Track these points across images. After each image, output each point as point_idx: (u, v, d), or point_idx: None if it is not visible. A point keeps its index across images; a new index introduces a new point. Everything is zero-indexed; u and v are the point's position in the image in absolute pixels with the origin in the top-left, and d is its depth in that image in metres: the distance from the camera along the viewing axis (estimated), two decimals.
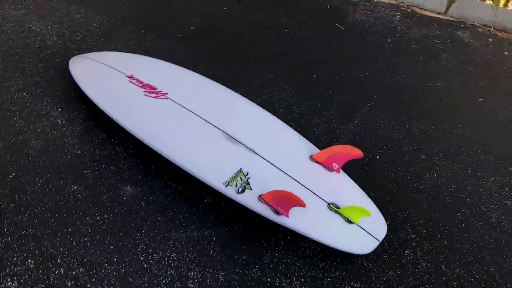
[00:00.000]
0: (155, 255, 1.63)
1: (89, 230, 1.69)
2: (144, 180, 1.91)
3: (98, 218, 1.73)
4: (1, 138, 2.02)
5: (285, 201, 1.58)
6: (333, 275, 1.66)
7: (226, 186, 1.68)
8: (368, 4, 4.04)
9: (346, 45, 3.32)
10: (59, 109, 2.22)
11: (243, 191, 1.68)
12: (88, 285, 1.52)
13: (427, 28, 3.78)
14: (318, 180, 1.79)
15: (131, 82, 2.13)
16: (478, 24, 4.05)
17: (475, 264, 1.78)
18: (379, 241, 1.64)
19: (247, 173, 1.74)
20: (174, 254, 1.65)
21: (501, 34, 3.93)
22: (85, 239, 1.65)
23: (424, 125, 2.53)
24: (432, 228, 1.89)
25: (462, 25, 3.95)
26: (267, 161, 1.81)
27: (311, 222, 1.63)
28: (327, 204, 1.70)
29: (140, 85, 2.11)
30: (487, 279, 1.72)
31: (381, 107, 2.64)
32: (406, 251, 1.77)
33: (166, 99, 2.04)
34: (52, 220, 1.71)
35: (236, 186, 1.69)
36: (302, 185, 1.74)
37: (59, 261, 1.58)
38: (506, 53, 3.57)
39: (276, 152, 1.86)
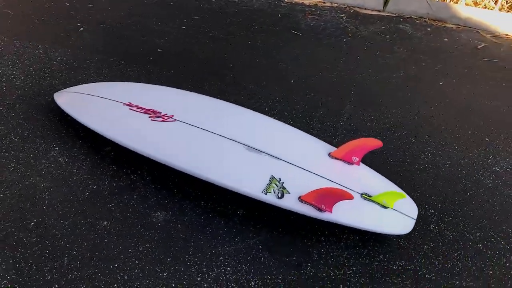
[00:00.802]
0: (210, 273, 1.64)
1: (136, 262, 1.66)
2: (171, 204, 1.90)
3: (140, 249, 1.70)
4: (6, 186, 1.91)
5: (328, 198, 1.67)
6: (378, 258, 1.77)
7: (266, 194, 1.74)
8: (313, 9, 4.27)
9: (309, 50, 3.49)
10: (56, 148, 2.14)
11: (282, 196, 1.74)
12: None
13: (373, 26, 4.08)
14: (344, 174, 1.90)
15: (131, 110, 2.12)
16: (415, 17, 4.44)
17: (490, 225, 1.98)
18: (414, 219, 1.79)
19: (279, 179, 1.81)
20: (229, 268, 1.67)
21: (435, 23, 4.33)
22: (136, 271, 1.62)
23: (402, 112, 2.75)
24: (444, 202, 2.07)
25: (401, 19, 4.31)
26: (293, 164, 1.89)
27: (351, 213, 1.73)
28: (360, 194, 1.81)
29: (142, 111, 2.10)
30: (504, 237, 1.93)
31: (360, 102, 2.82)
32: (431, 226, 1.93)
33: (174, 121, 2.05)
34: (94, 259, 1.65)
35: (274, 192, 1.75)
36: (332, 181, 1.84)
37: None
38: (445, 39, 3.95)
39: (298, 155, 1.95)
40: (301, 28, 3.88)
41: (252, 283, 1.62)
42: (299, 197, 1.74)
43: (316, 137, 2.19)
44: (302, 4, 4.43)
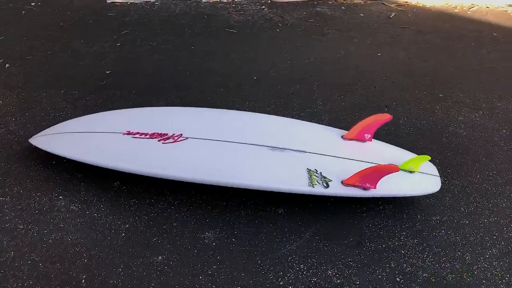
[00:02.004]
0: (288, 274, 1.67)
1: (214, 286, 1.62)
2: (214, 221, 1.87)
3: (209, 272, 1.66)
4: (30, 251, 1.71)
5: (373, 176, 1.79)
6: (417, 219, 1.94)
7: (313, 187, 1.80)
8: (234, 5, 4.34)
9: (251, 45, 3.55)
10: (61, 197, 1.96)
11: (327, 185, 1.82)
12: None
13: (296, 13, 4.28)
14: (364, 152, 2.04)
15: (135, 137, 2.02)
16: None
17: (484, 166, 2.26)
18: (439, 176, 1.99)
19: (315, 170, 1.89)
20: (301, 265, 1.71)
21: (345, 1, 4.68)
22: None
23: (363, 86, 2.98)
24: (439, 156, 2.31)
25: (315, 2, 4.58)
26: (317, 153, 1.98)
27: (389, 185, 1.87)
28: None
29: (147, 136, 2.01)
30: (498, 173, 2.23)
31: (325, 85, 2.98)
32: (441, 179, 2.16)
33: (185, 139, 2.01)
34: None
35: (318, 183, 1.82)
36: (358, 160, 1.97)
37: None
38: (361, 14, 4.30)
39: (316, 144, 2.03)
40: (233, 25, 3.93)
41: (329, 272, 1.69)
42: (342, 182, 1.83)
43: None
44: (220, 1, 4.46)
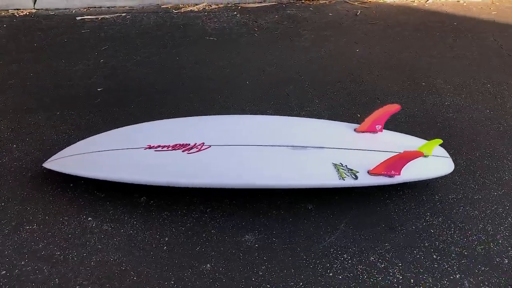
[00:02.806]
0: (335, 265, 1.71)
1: (268, 286, 1.66)
2: (251, 223, 1.89)
3: (260, 273, 1.67)
4: (75, 275, 1.66)
5: (398, 163, 1.88)
6: (436, 199, 2.05)
7: (344, 180, 1.88)
8: (206, 13, 4.37)
9: (234, 51, 3.59)
10: (90, 219, 1.92)
11: (356, 176, 1.91)
12: None
13: (268, 17, 4.37)
14: (379, 142, 2.13)
15: (158, 151, 2.01)
16: (293, 0, 4.86)
17: (479, 144, 2.42)
18: (449, 157, 2.13)
19: (341, 163, 1.97)
20: (345, 255, 1.75)
21: (311, 2, 4.81)
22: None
23: (350, 82, 3.10)
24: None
25: (284, 5, 4.69)
26: (337, 148, 2.06)
27: (410, 170, 1.98)
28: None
29: (170, 149, 2.01)
30: (491, 146, 2.41)
31: (317, 84, 3.07)
32: (461, 161, 2.29)
33: (209, 147, 2.02)
34: None
35: (347, 176, 1.90)
36: (376, 150, 2.06)
37: None
38: (330, 14, 4.46)
39: (334, 139, 2.10)
40: (211, 33, 3.95)
41: (372, 258, 1.76)
42: (368, 172, 1.92)
43: None
44: (191, 11, 4.47)
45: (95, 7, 4.35)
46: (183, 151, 1.97)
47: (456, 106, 2.75)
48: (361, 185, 1.85)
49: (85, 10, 4.30)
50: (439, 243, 1.79)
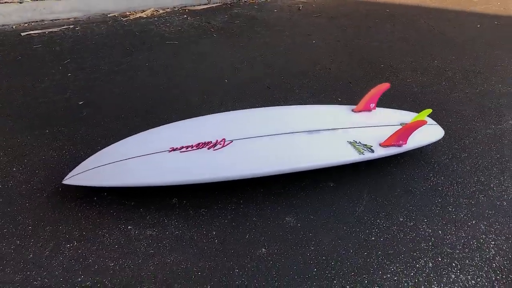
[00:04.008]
0: (373, 230, 1.86)
1: (332, 263, 1.78)
2: (285, 206, 1.97)
3: (312, 248, 1.79)
4: (140, 281, 1.67)
5: (406, 134, 2.10)
6: (433, 161, 2.31)
7: (363, 154, 2.06)
8: (157, 19, 4.34)
9: (200, 53, 3.61)
10: (130, 227, 1.88)
11: (372, 150, 2.10)
12: None
13: (220, 17, 4.45)
14: (376, 119, 2.35)
15: (183, 152, 2.05)
16: (236, 0, 4.98)
17: (465, 115, 2.77)
18: (437, 124, 2.40)
19: (354, 140, 2.15)
20: (378, 220, 1.93)
21: (252, 1, 4.96)
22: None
23: (322, 71, 3.31)
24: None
25: (229, 6, 4.80)
26: (346, 128, 2.24)
27: (411, 139, 2.22)
28: (400, 125, 2.31)
29: (194, 148, 2.06)
30: (476, 117, 2.74)
31: (291, 75, 3.23)
32: (442, 125, 2.58)
33: (231, 142, 2.10)
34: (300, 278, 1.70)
35: (364, 150, 2.09)
36: (376, 126, 2.27)
37: None
38: (275, 10, 4.64)
39: (340, 120, 2.28)
40: (169, 37, 3.94)
41: (401, 219, 1.95)
42: (380, 144, 2.12)
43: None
44: (140, 17, 4.40)
45: (36, 21, 4.10)
46: (208, 149, 2.00)
47: (417, 82, 3.05)
48: (378, 157, 2.03)
49: (26, 25, 4.04)
50: (449, 197, 2.03)
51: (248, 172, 1.92)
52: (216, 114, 2.30)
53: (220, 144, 2.00)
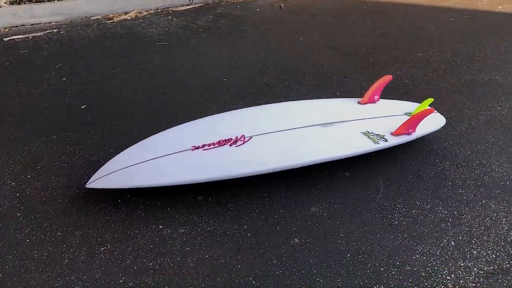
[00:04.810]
0: (394, 214, 1.95)
1: (355, 239, 1.85)
2: (308, 198, 2.01)
3: (341, 235, 1.86)
4: (184, 278, 1.66)
5: (415, 122, 2.20)
6: (435, 148, 2.42)
7: (378, 143, 2.14)
8: (142, 21, 4.30)
9: (192, 53, 3.60)
10: (161, 226, 1.88)
11: (386, 139, 2.19)
12: None
13: (205, 17, 4.45)
14: (382, 110, 2.44)
15: (205, 150, 2.07)
16: (217, 0, 4.97)
17: (455, 104, 2.91)
18: (438, 112, 2.52)
19: (367, 131, 2.24)
20: (398, 206, 2.01)
21: (233, 0, 4.99)
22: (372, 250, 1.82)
23: (315, 67, 3.39)
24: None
25: (211, 6, 4.80)
26: (357, 119, 2.32)
27: (418, 127, 2.32)
28: (405, 114, 2.41)
29: (216, 145, 2.07)
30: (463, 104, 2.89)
31: (287, 72, 3.28)
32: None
33: (250, 138, 2.14)
34: (327, 265, 1.75)
35: (379, 140, 2.18)
36: (383, 116, 2.36)
37: None
38: (257, 9, 4.68)
39: (350, 112, 2.36)
40: (158, 39, 3.91)
41: (418, 202, 2.03)
42: (391, 133, 2.21)
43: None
44: (125, 20, 4.35)
45: (17, 26, 3.96)
46: (230, 145, 2.03)
47: (407, 74, 3.18)
48: (391, 146, 2.12)
49: (7, 30, 3.90)
50: (457, 180, 2.14)
51: (270, 167, 1.95)
52: (230, 112, 2.32)
53: (241, 140, 2.03)
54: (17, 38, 3.74)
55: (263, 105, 2.40)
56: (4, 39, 3.74)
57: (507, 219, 1.88)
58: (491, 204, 1.97)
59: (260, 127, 2.13)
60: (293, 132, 2.10)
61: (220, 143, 2.02)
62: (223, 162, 1.95)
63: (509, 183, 2.09)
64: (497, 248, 1.74)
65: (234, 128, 2.12)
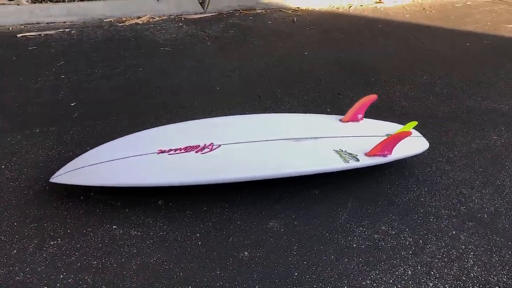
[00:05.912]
0: (354, 237, 1.91)
1: (307, 258, 1.81)
2: (269, 211, 1.99)
3: (294, 252, 1.82)
4: (124, 280, 1.67)
5: (391, 144, 2.14)
6: (416, 172, 2.35)
7: (349, 162, 2.09)
8: (153, 25, 4.39)
9: (194, 60, 3.64)
10: (114, 227, 1.89)
11: (357, 159, 2.14)
12: None
13: (215, 27, 4.51)
14: (362, 129, 2.39)
15: (171, 154, 2.07)
16: (231, 11, 5.05)
17: (441, 126, 2.82)
18: (422, 136, 2.44)
19: (340, 149, 2.19)
20: (360, 228, 1.95)
21: (248, 12, 5.05)
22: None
23: (313, 81, 3.36)
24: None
25: (224, 15, 4.86)
26: (332, 137, 2.28)
27: (396, 150, 2.26)
28: (386, 136, 2.35)
29: (182, 151, 2.08)
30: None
31: (282, 85, 3.27)
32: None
33: (218, 146, 2.13)
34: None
35: (350, 159, 2.12)
36: (362, 136, 2.31)
37: None
38: (269, 22, 4.71)
39: (327, 129, 2.32)
40: (164, 44, 3.99)
41: (383, 227, 1.97)
42: (365, 154, 2.16)
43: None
44: (136, 24, 4.45)
45: (32, 23, 4.14)
46: (196, 152, 2.04)
47: (406, 96, 3.11)
48: (363, 166, 2.07)
49: (22, 27, 4.07)
50: (431, 208, 2.07)
51: (235, 176, 1.95)
52: (204, 119, 2.33)
53: (208, 148, 2.03)
54: (30, 35, 3.91)
55: (238, 115, 2.40)
56: (17, 35, 3.91)
57: (475, 253, 1.80)
58: (461, 236, 1.89)
59: (232, 136, 2.14)
60: (264, 143, 2.10)
61: (187, 149, 2.03)
62: (186, 168, 1.96)
63: (486, 216, 2.00)
64: (456, 283, 1.67)
65: (204, 136, 2.13)
